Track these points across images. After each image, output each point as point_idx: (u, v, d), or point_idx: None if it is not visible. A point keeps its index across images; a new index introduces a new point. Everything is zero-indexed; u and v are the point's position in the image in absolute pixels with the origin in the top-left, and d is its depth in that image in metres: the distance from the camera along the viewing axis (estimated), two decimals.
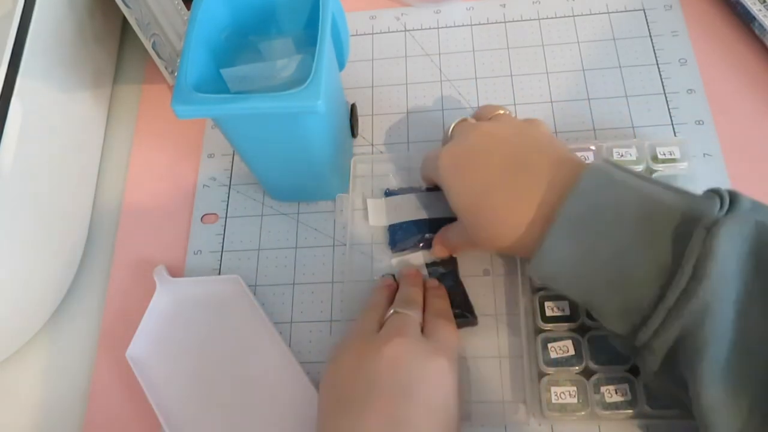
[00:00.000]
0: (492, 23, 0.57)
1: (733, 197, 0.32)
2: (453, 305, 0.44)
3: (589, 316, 0.41)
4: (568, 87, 0.53)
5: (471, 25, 0.57)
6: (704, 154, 0.48)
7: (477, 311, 0.44)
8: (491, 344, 0.44)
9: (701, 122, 0.50)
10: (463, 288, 0.45)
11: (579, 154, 0.46)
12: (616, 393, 0.39)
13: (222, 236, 0.51)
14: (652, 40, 0.54)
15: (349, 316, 0.45)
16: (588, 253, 0.34)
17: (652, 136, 0.49)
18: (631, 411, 0.39)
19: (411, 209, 0.48)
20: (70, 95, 0.51)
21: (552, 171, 0.36)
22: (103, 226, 0.53)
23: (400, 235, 0.47)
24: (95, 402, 0.47)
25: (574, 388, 0.40)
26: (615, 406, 0.39)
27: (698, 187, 0.46)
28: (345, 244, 0.48)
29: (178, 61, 0.41)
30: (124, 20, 0.59)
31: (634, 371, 0.40)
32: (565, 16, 0.56)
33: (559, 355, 0.41)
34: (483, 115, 0.44)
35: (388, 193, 0.49)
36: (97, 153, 0.56)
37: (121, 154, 0.56)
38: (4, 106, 0.42)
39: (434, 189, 0.47)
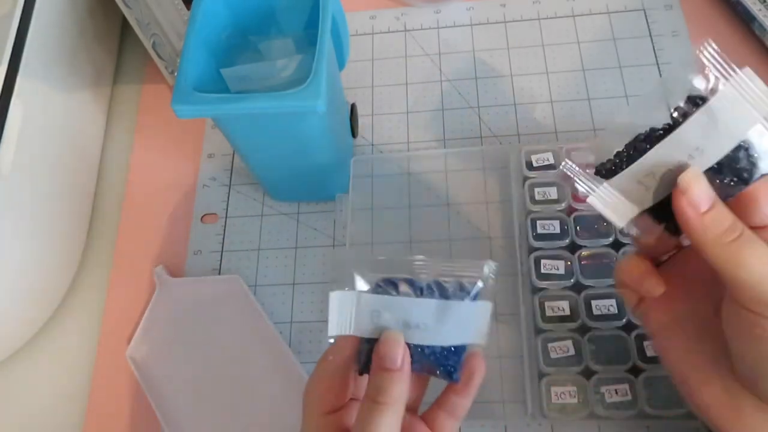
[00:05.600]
0: (492, 23, 0.57)
1: None
2: None
3: (589, 316, 0.42)
4: (568, 87, 0.53)
5: (471, 25, 0.57)
6: None
7: None
8: (491, 344, 0.44)
9: None
10: None
11: (579, 154, 0.46)
12: (616, 393, 0.39)
13: (222, 236, 0.51)
14: (652, 40, 0.54)
15: None
16: None
17: None
18: (631, 411, 0.39)
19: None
20: (70, 95, 0.51)
21: None
22: (103, 226, 0.53)
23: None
24: (95, 402, 0.47)
25: (574, 388, 0.40)
26: (615, 406, 0.39)
27: None
28: (345, 244, 0.48)
29: (178, 61, 0.41)
30: (124, 20, 0.59)
31: (634, 371, 0.40)
32: (565, 16, 0.56)
33: (559, 355, 0.41)
34: None
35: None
36: (97, 153, 0.56)
37: (121, 154, 0.56)
38: (4, 106, 0.42)
39: None
